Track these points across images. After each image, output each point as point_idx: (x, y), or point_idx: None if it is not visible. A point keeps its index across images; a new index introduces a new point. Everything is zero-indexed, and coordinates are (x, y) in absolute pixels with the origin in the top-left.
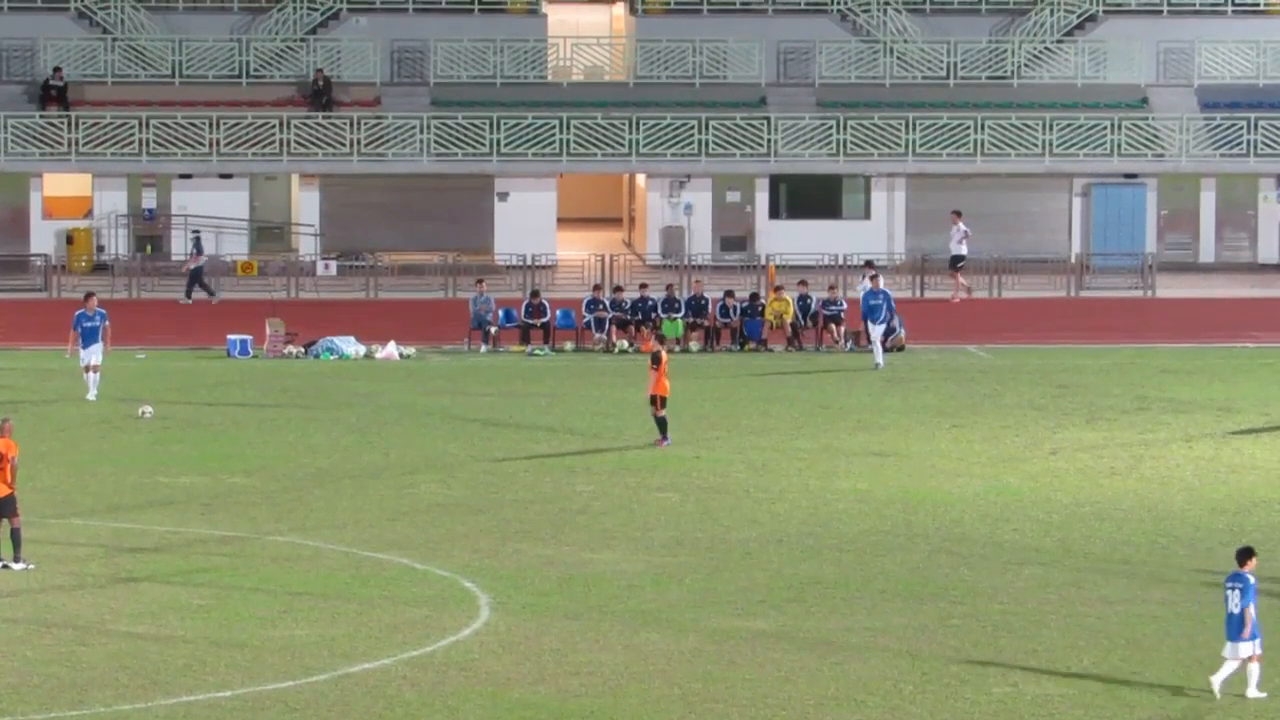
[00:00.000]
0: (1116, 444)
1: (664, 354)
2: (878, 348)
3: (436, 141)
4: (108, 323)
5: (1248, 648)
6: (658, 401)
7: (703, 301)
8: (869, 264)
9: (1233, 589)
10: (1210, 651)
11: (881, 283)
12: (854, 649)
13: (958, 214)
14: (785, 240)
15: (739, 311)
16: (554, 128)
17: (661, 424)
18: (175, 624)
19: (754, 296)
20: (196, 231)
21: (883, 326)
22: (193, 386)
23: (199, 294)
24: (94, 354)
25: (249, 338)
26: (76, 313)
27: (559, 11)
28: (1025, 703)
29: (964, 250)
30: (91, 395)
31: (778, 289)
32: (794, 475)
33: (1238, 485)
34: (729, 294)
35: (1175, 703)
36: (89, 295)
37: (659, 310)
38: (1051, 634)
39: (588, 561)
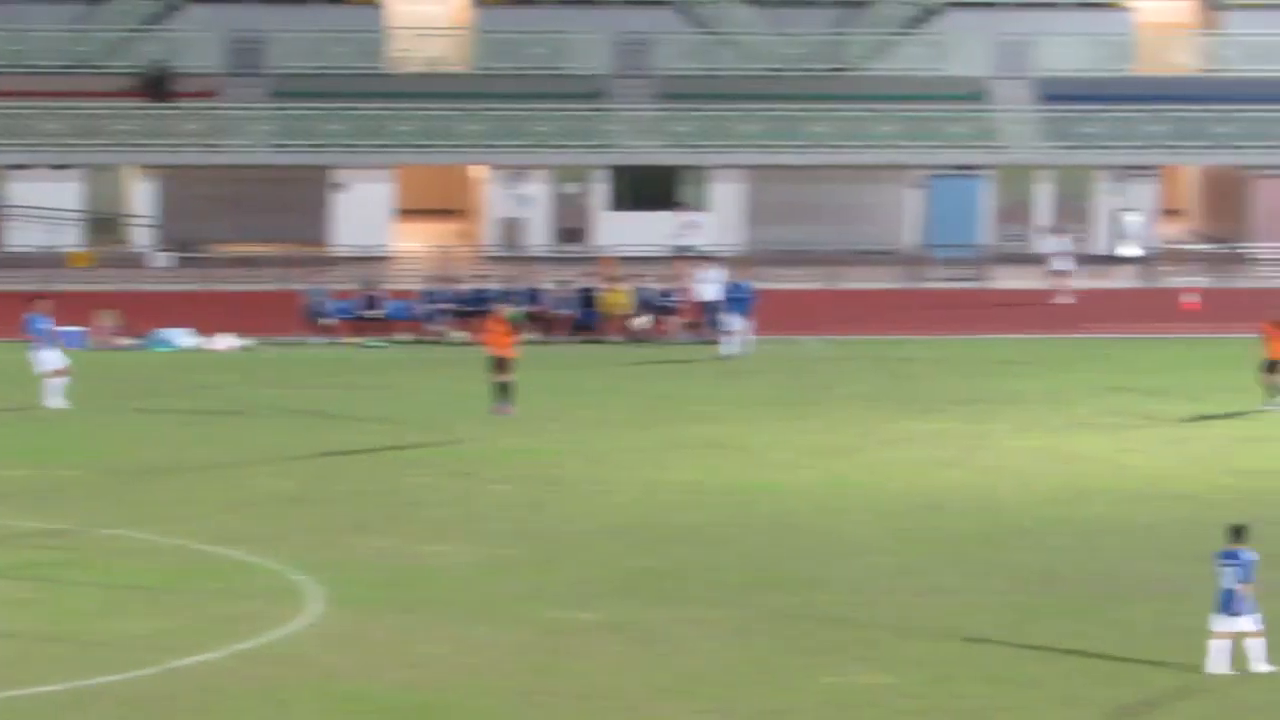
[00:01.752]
0: (951, 434)
1: (502, 316)
2: (734, 338)
3: (274, 133)
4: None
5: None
6: (500, 364)
7: (539, 292)
8: (704, 257)
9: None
10: (1040, 643)
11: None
12: (686, 640)
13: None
14: (623, 232)
15: (575, 302)
16: (393, 119)
17: (500, 389)
18: (2, 618)
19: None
20: None
21: (743, 318)
22: (22, 379)
23: None
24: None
25: (81, 329)
26: (30, 315)
27: (399, 2)
28: (855, 691)
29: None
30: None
31: (615, 280)
32: (630, 467)
33: (1069, 475)
34: (561, 284)
35: (1002, 693)
36: (40, 296)
37: (496, 302)
38: (883, 624)
39: (421, 554)
